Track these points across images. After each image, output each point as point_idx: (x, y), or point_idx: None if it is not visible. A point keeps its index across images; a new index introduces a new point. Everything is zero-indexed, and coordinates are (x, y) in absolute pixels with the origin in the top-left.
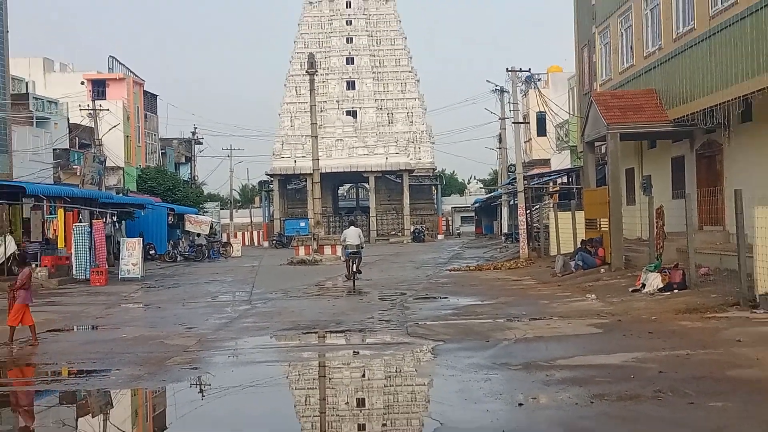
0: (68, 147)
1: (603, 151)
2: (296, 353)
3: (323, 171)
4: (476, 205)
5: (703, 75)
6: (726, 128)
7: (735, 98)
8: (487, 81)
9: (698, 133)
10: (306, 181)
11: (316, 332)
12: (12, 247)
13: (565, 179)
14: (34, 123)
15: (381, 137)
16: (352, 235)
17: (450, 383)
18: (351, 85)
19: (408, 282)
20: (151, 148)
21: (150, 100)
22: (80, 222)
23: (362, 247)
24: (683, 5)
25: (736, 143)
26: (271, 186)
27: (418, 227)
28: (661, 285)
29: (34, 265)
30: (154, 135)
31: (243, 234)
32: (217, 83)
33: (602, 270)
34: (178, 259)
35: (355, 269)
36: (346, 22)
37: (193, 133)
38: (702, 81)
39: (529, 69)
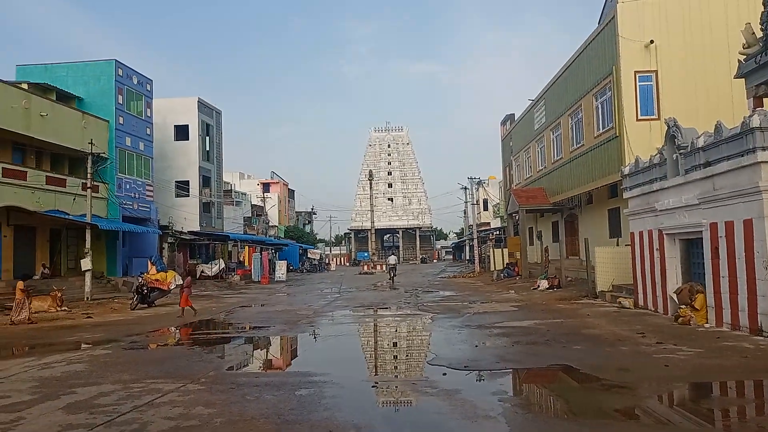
0: (251, 215)
1: (516, 218)
2: (362, 318)
3: (376, 228)
4: (453, 244)
5: (568, 180)
6: (579, 207)
7: (584, 192)
8: (458, 183)
9: (565, 209)
10: (368, 233)
11: (372, 308)
12: (222, 265)
13: (498, 232)
14: (234, 203)
15: (405, 211)
16: (392, 259)
17: (440, 335)
18: (390, 185)
19: (419, 283)
20: (291, 216)
21: (291, 192)
22: (256, 252)
23: (397, 265)
24: (556, 145)
25: (584, 214)
26: (350, 235)
27: (424, 256)
28: (547, 286)
29: (232, 275)
30: (293, 209)
31: (336, 259)
32: (327, 182)
33: (517, 278)
34: (304, 271)
35: (393, 275)
36: (387, 153)
37: (312, 209)
38: (567, 183)
39: (479, 177)
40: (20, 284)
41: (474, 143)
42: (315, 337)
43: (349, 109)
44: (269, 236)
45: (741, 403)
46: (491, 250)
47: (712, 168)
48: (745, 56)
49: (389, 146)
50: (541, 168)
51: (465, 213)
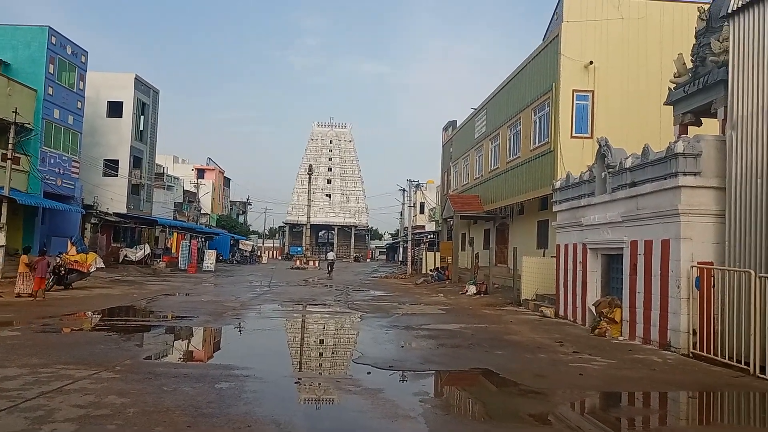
0: (182, 201)
1: (451, 223)
2: (291, 313)
3: (312, 223)
4: (387, 245)
5: (502, 190)
6: (511, 217)
7: (517, 202)
8: (397, 185)
9: (498, 218)
10: (303, 227)
11: (302, 304)
12: (147, 250)
13: (432, 236)
14: (165, 187)
15: (342, 208)
16: (331, 255)
17: (367, 334)
18: (329, 181)
19: (351, 282)
20: (225, 205)
21: (227, 180)
22: (185, 240)
23: (335, 261)
24: (494, 155)
25: (515, 224)
26: (285, 229)
27: (357, 255)
28: (475, 291)
29: (158, 261)
30: (228, 198)
31: (268, 252)
32: (265, 173)
33: (447, 282)
34: (234, 262)
35: (330, 270)
36: (329, 149)
37: (248, 199)
38: (502, 193)
39: (418, 180)
40: (25, 258)
41: (415, 146)
42: (240, 330)
43: (293, 101)
44: (200, 224)
45: (646, 414)
46: (424, 253)
47: (637, 188)
48: (675, 85)
49: (331, 142)
50: (478, 176)
51: (401, 215)
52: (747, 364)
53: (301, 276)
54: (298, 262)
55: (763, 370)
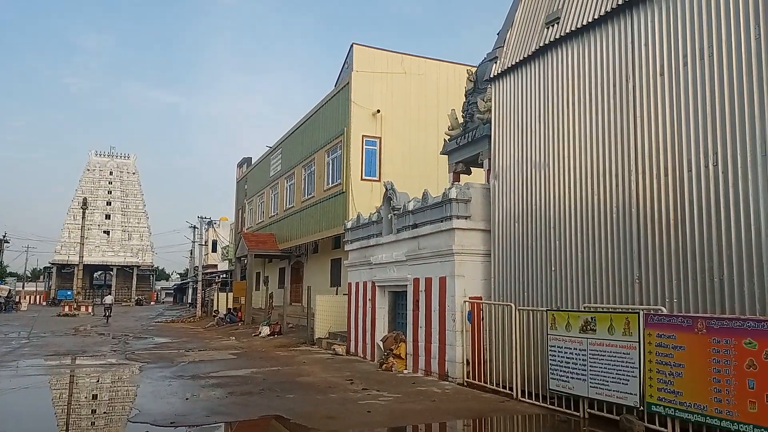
0: None
1: (245, 262)
2: (56, 368)
3: (85, 263)
4: (175, 286)
5: (297, 228)
6: (306, 255)
7: (311, 241)
8: (187, 221)
9: (293, 256)
10: (74, 268)
11: (70, 356)
12: None
13: (225, 275)
14: None
15: (123, 247)
16: (108, 299)
17: (147, 387)
18: (108, 216)
19: (131, 329)
20: None
21: None
22: None
23: (113, 305)
24: (289, 194)
25: (310, 262)
26: (52, 270)
27: (141, 297)
28: (269, 332)
29: None
30: None
31: (30, 297)
32: (28, 206)
33: (240, 324)
34: None
35: (108, 315)
36: (108, 181)
37: (4, 236)
38: (297, 231)
39: (210, 217)
40: None
41: (210, 182)
42: None
43: (69, 126)
44: None
45: None
46: (216, 293)
47: (419, 230)
48: (449, 137)
49: (111, 173)
50: (273, 214)
51: (192, 253)
52: (511, 389)
53: (70, 324)
54: (67, 308)
55: (524, 393)
